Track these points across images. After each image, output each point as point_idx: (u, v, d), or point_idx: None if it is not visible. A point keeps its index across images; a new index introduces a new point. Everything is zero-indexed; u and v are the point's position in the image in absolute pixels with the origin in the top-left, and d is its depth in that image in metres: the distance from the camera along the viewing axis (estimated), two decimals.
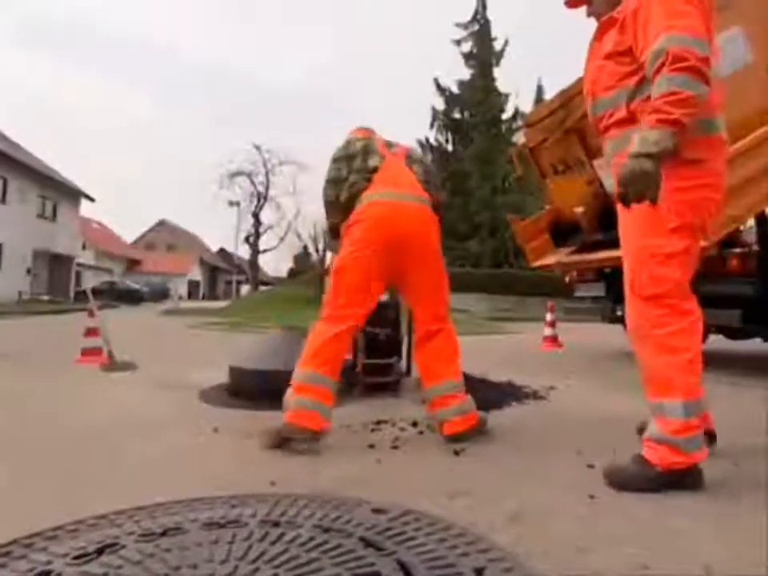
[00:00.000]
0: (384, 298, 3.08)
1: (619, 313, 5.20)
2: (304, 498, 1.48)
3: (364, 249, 2.21)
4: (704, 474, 1.68)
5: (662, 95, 1.53)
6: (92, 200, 26.55)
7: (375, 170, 2.38)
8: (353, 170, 2.42)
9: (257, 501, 1.45)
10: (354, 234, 2.25)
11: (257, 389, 2.98)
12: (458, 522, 1.36)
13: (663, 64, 1.54)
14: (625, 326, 5.72)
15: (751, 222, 4.40)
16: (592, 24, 1.99)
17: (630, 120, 1.78)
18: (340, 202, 2.42)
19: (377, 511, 1.39)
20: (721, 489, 1.68)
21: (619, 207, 1.78)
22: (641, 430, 2.03)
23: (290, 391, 2.17)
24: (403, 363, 3.48)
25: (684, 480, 1.66)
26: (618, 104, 1.80)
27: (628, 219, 1.77)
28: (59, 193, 24.23)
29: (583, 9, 2.03)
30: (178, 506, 1.43)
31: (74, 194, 25.60)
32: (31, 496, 1.61)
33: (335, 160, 2.50)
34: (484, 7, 26.73)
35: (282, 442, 2.07)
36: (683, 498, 1.61)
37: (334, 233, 2.54)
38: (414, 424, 2.47)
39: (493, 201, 23.94)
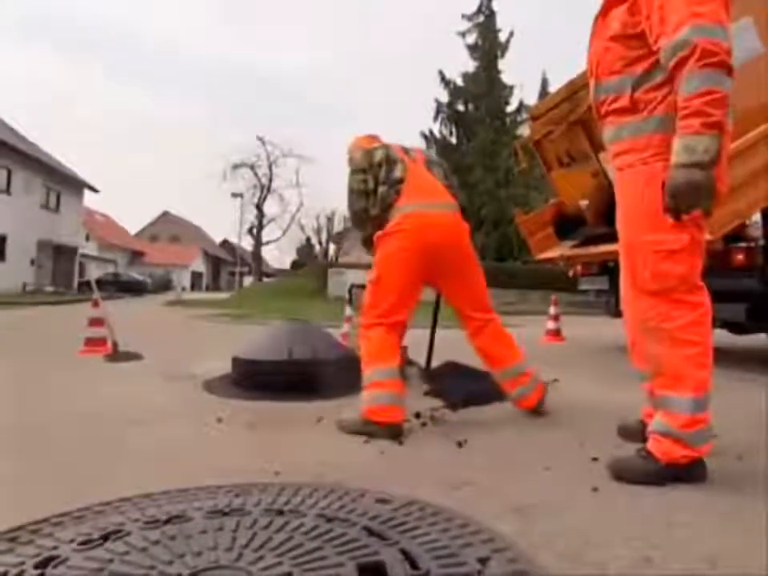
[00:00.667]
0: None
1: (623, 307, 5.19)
2: (308, 488, 1.48)
3: (404, 256, 2.32)
4: (707, 467, 1.69)
5: (698, 94, 1.43)
6: (96, 191, 26.59)
7: (402, 180, 2.43)
8: (379, 182, 2.46)
9: (260, 490, 1.46)
10: (392, 243, 2.36)
11: (260, 379, 2.99)
12: (462, 513, 1.36)
13: (688, 57, 1.45)
14: None
15: (757, 216, 4.38)
16: (597, 3, 1.88)
17: (631, 110, 1.70)
18: (370, 215, 2.49)
19: (381, 501, 1.40)
20: (725, 483, 1.68)
21: (620, 194, 1.76)
22: (623, 430, 2.11)
23: (367, 390, 2.26)
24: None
25: (688, 473, 1.65)
26: (621, 91, 1.71)
27: (628, 214, 1.74)
28: (63, 184, 24.26)
29: None
30: (182, 495, 1.43)
31: (77, 185, 25.63)
32: (37, 483, 1.62)
33: (358, 171, 2.54)
34: None
35: (366, 434, 2.16)
36: (687, 491, 1.61)
37: (368, 244, 2.60)
38: (417, 415, 2.47)
39: (496, 194, 23.85)
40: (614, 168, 1.84)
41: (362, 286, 4.22)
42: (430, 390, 3.09)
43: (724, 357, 5.15)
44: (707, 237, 3.59)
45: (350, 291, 3.52)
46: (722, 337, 5.55)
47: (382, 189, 2.45)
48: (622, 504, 1.51)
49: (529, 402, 2.51)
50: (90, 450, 1.95)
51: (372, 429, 2.14)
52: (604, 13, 1.79)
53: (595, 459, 1.89)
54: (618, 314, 5.35)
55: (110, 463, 1.81)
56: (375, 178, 2.47)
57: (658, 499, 1.54)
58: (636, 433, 2.01)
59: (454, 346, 4.13)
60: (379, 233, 2.42)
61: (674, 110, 1.55)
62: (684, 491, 1.60)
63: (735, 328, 5.14)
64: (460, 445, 2.06)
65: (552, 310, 6.89)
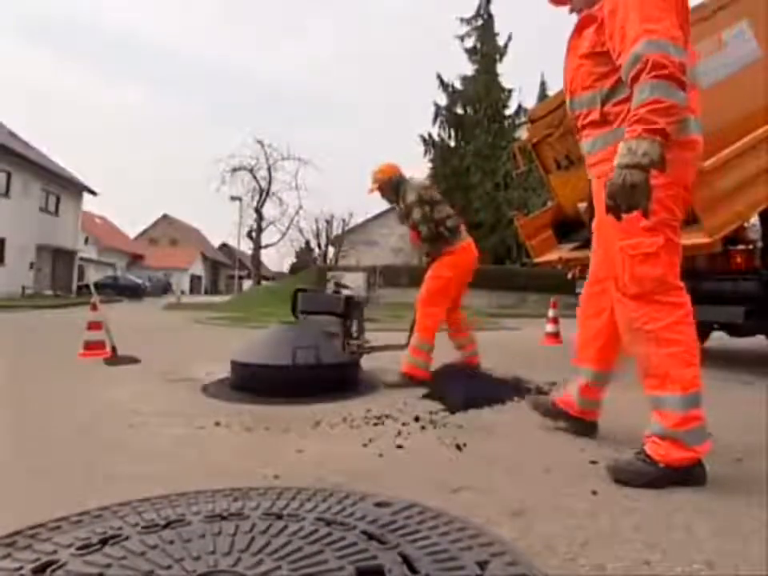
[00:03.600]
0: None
1: None
2: (307, 491, 1.48)
3: (460, 273, 3.68)
4: (706, 469, 1.69)
5: (645, 103, 1.52)
6: (94, 194, 26.55)
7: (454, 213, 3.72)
8: (444, 214, 3.64)
9: (259, 494, 1.46)
10: (453, 262, 3.62)
11: (258, 383, 2.98)
12: (461, 516, 1.36)
13: (642, 70, 1.54)
14: None
15: (755, 218, 4.39)
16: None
17: (602, 123, 1.81)
18: (434, 234, 3.60)
19: (380, 505, 1.39)
20: (723, 486, 1.68)
21: (599, 202, 1.80)
22: (532, 404, 2.38)
23: (407, 353, 3.55)
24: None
25: (687, 475, 1.66)
26: (593, 105, 1.83)
27: (605, 222, 1.79)
28: (62, 187, 24.24)
29: (566, 7, 2.05)
30: (180, 499, 1.43)
31: (76, 189, 25.60)
32: (35, 487, 1.61)
33: (422, 202, 3.60)
34: (488, 2, 26.58)
35: (402, 383, 3.37)
36: (685, 493, 1.61)
37: (432, 257, 3.70)
38: (417, 419, 2.47)
39: (495, 196, 23.88)
40: (591, 177, 1.94)
41: (345, 286, 4.26)
42: (430, 393, 3.09)
43: (722, 360, 5.16)
44: (706, 240, 3.64)
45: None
46: (721, 340, 5.56)
47: (450, 221, 3.63)
48: (620, 507, 1.51)
49: (474, 360, 3.90)
50: (88, 454, 1.95)
51: (406, 381, 3.38)
52: (577, 33, 1.91)
53: (594, 462, 1.89)
54: None
55: (108, 467, 1.80)
56: (432, 210, 3.60)
57: (657, 502, 1.54)
58: (543, 409, 2.31)
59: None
60: (449, 248, 3.62)
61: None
62: (682, 494, 1.60)
63: (734, 330, 5.14)
64: (459, 448, 2.06)
65: (551, 312, 6.89)
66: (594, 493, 1.61)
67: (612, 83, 1.76)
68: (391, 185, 3.75)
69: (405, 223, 3.81)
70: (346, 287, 4.00)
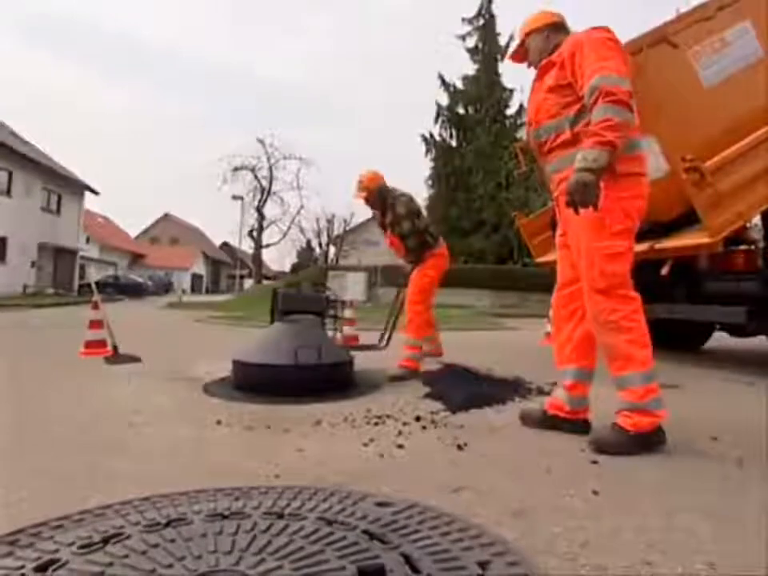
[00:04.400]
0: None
1: None
2: (308, 491, 1.48)
3: (439, 274, 3.97)
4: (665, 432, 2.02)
5: (599, 122, 1.90)
6: (96, 193, 26.58)
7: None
8: (425, 222, 3.99)
9: (261, 493, 1.46)
10: (435, 263, 3.94)
11: (260, 382, 2.99)
12: (462, 517, 1.36)
13: (597, 97, 1.93)
14: None
15: (757, 218, 4.38)
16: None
17: (574, 141, 2.11)
18: (419, 244, 3.91)
19: (381, 504, 1.40)
20: (725, 487, 1.68)
21: (570, 214, 2.07)
22: (526, 417, 2.43)
23: (406, 351, 3.83)
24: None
25: (654, 438, 2.01)
26: (561, 129, 2.16)
27: (578, 225, 2.08)
28: (64, 186, 24.26)
29: (524, 63, 2.48)
30: (182, 498, 1.43)
31: (78, 188, 25.63)
32: (38, 486, 1.62)
33: (412, 214, 3.88)
34: (489, 2, 26.55)
35: (406, 375, 3.63)
36: (687, 494, 1.61)
37: (417, 258, 3.94)
38: (418, 419, 2.47)
39: (497, 196, 23.87)
40: (560, 192, 2.19)
41: (324, 286, 4.26)
42: (431, 393, 3.09)
43: (726, 360, 5.16)
44: (708, 240, 3.64)
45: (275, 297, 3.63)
46: (723, 340, 5.56)
47: (431, 228, 3.99)
48: (621, 507, 1.51)
49: (439, 351, 4.14)
50: (89, 453, 1.95)
51: (406, 373, 3.71)
52: (539, 78, 2.31)
53: (595, 462, 1.90)
54: None
55: (109, 465, 1.81)
56: (420, 220, 3.93)
57: (658, 502, 1.54)
58: (537, 420, 2.37)
59: (461, 346, 4.11)
60: (434, 251, 3.94)
61: None
62: (684, 494, 1.60)
63: (735, 330, 5.13)
64: (460, 448, 2.06)
65: (551, 312, 6.88)
66: (595, 493, 1.61)
67: (576, 110, 2.11)
68: (378, 193, 3.95)
69: (393, 230, 3.97)
70: (325, 288, 4.03)
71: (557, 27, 2.35)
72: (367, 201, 3.98)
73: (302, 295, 3.83)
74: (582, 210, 1.92)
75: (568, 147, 2.14)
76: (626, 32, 4.01)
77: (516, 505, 1.50)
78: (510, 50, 2.55)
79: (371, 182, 3.94)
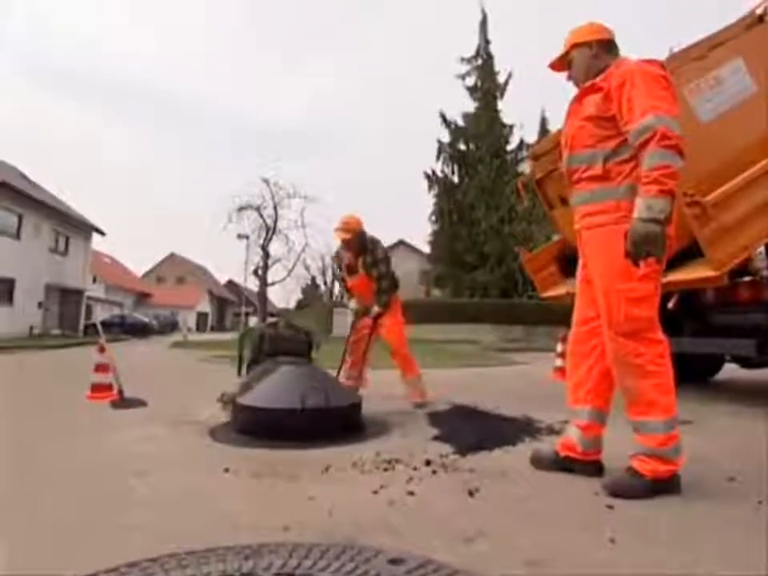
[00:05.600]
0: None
1: None
2: (318, 548, 1.44)
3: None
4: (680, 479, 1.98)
5: (657, 168, 1.80)
6: (103, 234, 26.95)
7: None
8: (390, 267, 4.25)
9: (270, 551, 1.42)
10: (397, 307, 4.36)
11: (266, 426, 2.95)
12: (476, 570, 1.32)
13: (651, 139, 1.83)
14: None
15: (762, 248, 4.38)
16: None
17: (603, 177, 2.04)
18: (391, 286, 4.25)
19: (393, 562, 1.36)
20: (745, 531, 1.63)
21: (592, 251, 2.09)
22: (536, 459, 2.36)
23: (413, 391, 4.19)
24: None
25: (670, 485, 1.95)
26: (593, 162, 2.06)
27: (603, 265, 2.04)
28: (72, 228, 24.62)
29: (564, 73, 2.33)
30: (190, 558, 1.39)
31: (85, 229, 26.00)
32: (44, 546, 1.58)
33: (388, 259, 4.25)
34: (487, 42, 27.35)
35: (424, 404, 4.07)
36: (707, 542, 1.56)
37: (386, 307, 4.21)
38: (428, 463, 2.43)
39: (500, 230, 24.02)
40: (582, 226, 2.16)
41: (296, 327, 4.25)
42: (439, 434, 3.04)
43: (738, 390, 5.07)
44: (712, 273, 3.63)
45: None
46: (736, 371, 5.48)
47: (395, 275, 4.29)
48: (639, 557, 1.47)
49: (415, 396, 4.16)
50: (91, 507, 1.91)
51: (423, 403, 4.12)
52: (579, 99, 2.18)
53: (610, 507, 1.85)
54: None
55: (112, 521, 1.77)
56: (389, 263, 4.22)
57: (677, 552, 1.50)
58: (548, 462, 2.30)
59: (468, 383, 4.06)
60: (395, 297, 4.32)
61: (638, 181, 1.90)
62: (704, 542, 1.56)
63: (747, 362, 5.07)
64: (471, 494, 2.01)
65: (559, 347, 6.83)
66: (612, 541, 1.56)
67: (615, 145, 2.00)
68: (359, 236, 4.17)
69: (368, 272, 4.18)
70: (298, 328, 4.04)
71: (608, 45, 2.17)
72: (348, 242, 4.18)
73: (288, 336, 3.83)
74: (642, 265, 1.85)
75: (596, 182, 2.07)
76: None
77: (531, 555, 1.46)
78: (552, 58, 2.32)
79: (357, 225, 4.17)
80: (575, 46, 2.21)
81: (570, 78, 2.27)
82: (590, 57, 2.16)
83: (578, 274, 2.31)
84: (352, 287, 4.40)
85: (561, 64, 2.29)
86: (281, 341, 3.71)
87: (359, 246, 4.20)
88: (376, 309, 4.17)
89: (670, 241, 1.93)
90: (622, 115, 1.94)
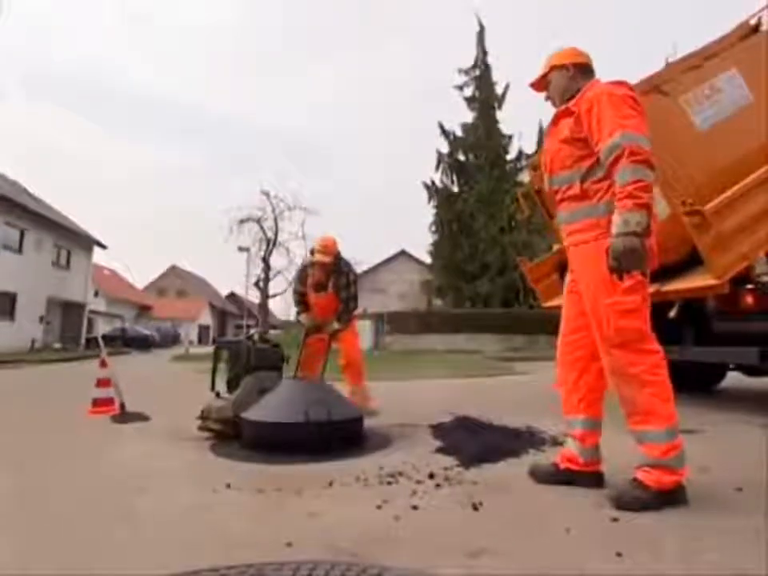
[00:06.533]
0: None
1: None
2: (323, 566, 1.43)
3: None
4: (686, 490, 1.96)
5: (630, 183, 1.86)
6: (104, 247, 27.03)
7: None
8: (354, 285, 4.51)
9: (274, 569, 1.41)
10: (354, 325, 4.67)
11: (269, 440, 2.94)
12: None
13: (621, 156, 1.89)
14: None
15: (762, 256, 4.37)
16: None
17: (582, 197, 2.11)
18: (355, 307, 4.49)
19: None
20: (755, 543, 1.61)
21: (581, 268, 2.14)
22: (534, 472, 2.36)
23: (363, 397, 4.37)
24: None
25: (676, 496, 1.94)
26: (572, 182, 2.14)
27: (590, 280, 2.08)
28: (73, 241, 24.70)
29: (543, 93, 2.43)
30: None
31: (87, 243, 26.09)
32: (44, 563, 1.57)
33: (356, 283, 4.48)
34: (484, 53, 27.58)
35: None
36: (716, 555, 1.54)
37: (346, 324, 4.46)
38: (431, 476, 2.41)
39: (500, 240, 24.05)
40: (569, 244, 2.22)
41: (267, 340, 4.26)
42: (443, 447, 3.03)
43: (741, 401, 5.04)
44: (714, 282, 3.63)
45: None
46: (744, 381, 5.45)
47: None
48: (647, 568, 1.45)
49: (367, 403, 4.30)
50: (91, 524, 1.90)
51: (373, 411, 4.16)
52: (555, 122, 2.28)
53: (615, 520, 1.83)
54: None
55: (117, 537, 1.76)
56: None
57: (685, 563, 1.48)
58: (547, 475, 2.29)
59: (472, 394, 4.05)
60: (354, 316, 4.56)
61: (615, 197, 1.95)
62: (712, 556, 1.54)
63: (751, 371, 5.04)
64: (476, 507, 2.00)
65: None
66: (619, 555, 1.55)
67: (589, 165, 2.09)
68: (336, 258, 4.41)
69: (338, 292, 4.38)
70: (268, 340, 4.03)
71: (584, 69, 2.28)
72: (328, 265, 4.37)
73: (271, 350, 3.80)
74: (626, 278, 1.89)
75: (576, 201, 2.15)
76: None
77: (537, 569, 1.45)
78: (534, 77, 2.43)
79: (335, 247, 4.43)
80: (554, 67, 2.32)
81: (548, 98, 2.40)
82: (567, 78, 2.27)
83: (566, 285, 2.36)
84: (316, 304, 4.55)
85: (540, 84, 2.40)
86: (265, 355, 3.69)
87: (334, 266, 4.42)
88: (336, 326, 4.36)
89: (651, 252, 1.99)
90: (593, 136, 2.03)
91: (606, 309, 2.01)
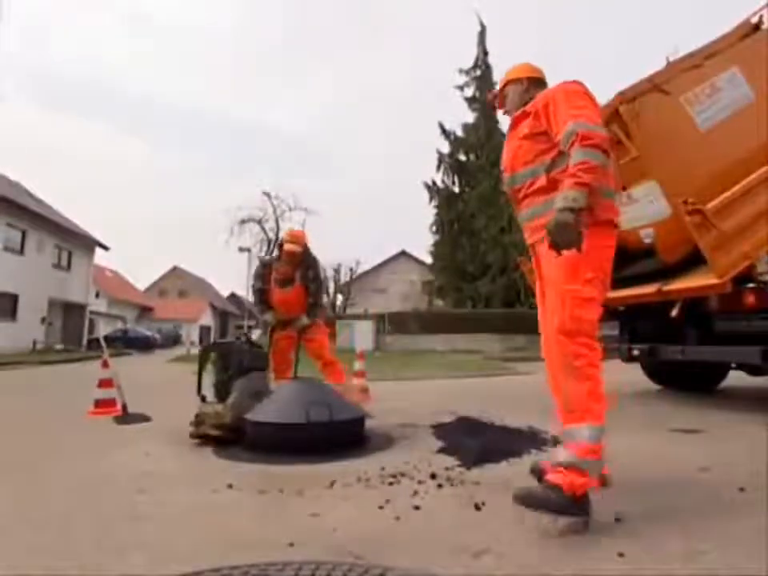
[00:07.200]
0: None
1: (636, 353, 5.11)
2: (325, 566, 1.42)
3: None
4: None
5: (576, 164, 1.93)
6: (106, 249, 27.06)
7: None
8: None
9: (277, 569, 1.41)
10: (323, 320, 4.77)
11: (271, 441, 2.94)
12: None
13: (574, 142, 1.97)
14: (642, 364, 5.56)
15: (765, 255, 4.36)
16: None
17: (550, 188, 2.13)
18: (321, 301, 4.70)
19: None
20: (758, 543, 1.61)
21: (545, 257, 2.10)
22: (533, 470, 2.27)
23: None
24: None
25: (581, 503, 1.81)
26: (537, 176, 2.17)
27: (554, 266, 2.06)
28: (75, 243, 24.72)
29: (501, 110, 2.54)
30: None
31: (88, 244, 26.11)
32: (45, 564, 1.57)
33: (323, 277, 4.28)
34: (485, 53, 27.59)
35: None
36: (719, 556, 1.54)
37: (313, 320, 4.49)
38: (433, 476, 2.41)
39: (500, 240, 24.04)
40: (536, 240, 2.21)
41: (250, 339, 4.21)
42: (444, 447, 3.03)
43: (743, 400, 5.03)
44: (716, 281, 3.63)
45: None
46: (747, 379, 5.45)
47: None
48: (649, 568, 1.45)
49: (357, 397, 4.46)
50: (93, 525, 1.90)
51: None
52: (513, 127, 2.35)
53: (618, 520, 1.83)
54: (629, 358, 5.32)
55: (119, 538, 1.76)
56: None
57: (687, 564, 1.48)
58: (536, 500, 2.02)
59: (474, 394, 4.04)
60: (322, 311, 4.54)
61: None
62: (716, 556, 1.53)
63: (753, 370, 5.03)
64: (478, 507, 2.00)
65: None
66: (621, 555, 1.54)
67: (552, 157, 2.14)
68: (305, 251, 4.45)
69: (306, 284, 4.41)
70: (255, 343, 4.03)
71: (536, 82, 2.42)
72: (298, 256, 4.39)
73: (262, 351, 3.79)
74: (564, 252, 1.91)
75: (543, 194, 2.16)
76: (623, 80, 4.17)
77: (539, 569, 1.45)
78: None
79: (305, 239, 4.50)
80: (509, 82, 2.47)
81: (505, 112, 2.50)
82: (522, 91, 2.41)
83: (537, 289, 2.36)
84: (281, 299, 4.47)
85: (499, 100, 2.53)
86: (260, 357, 3.65)
87: (303, 259, 4.45)
88: (305, 320, 4.35)
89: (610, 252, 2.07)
90: (552, 129, 2.13)
91: (566, 294, 2.01)
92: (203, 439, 3.19)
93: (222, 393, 3.46)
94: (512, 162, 2.29)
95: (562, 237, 1.87)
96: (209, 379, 3.63)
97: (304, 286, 4.42)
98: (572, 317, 2.00)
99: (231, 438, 3.12)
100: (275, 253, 4.75)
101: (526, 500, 1.91)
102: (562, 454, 1.94)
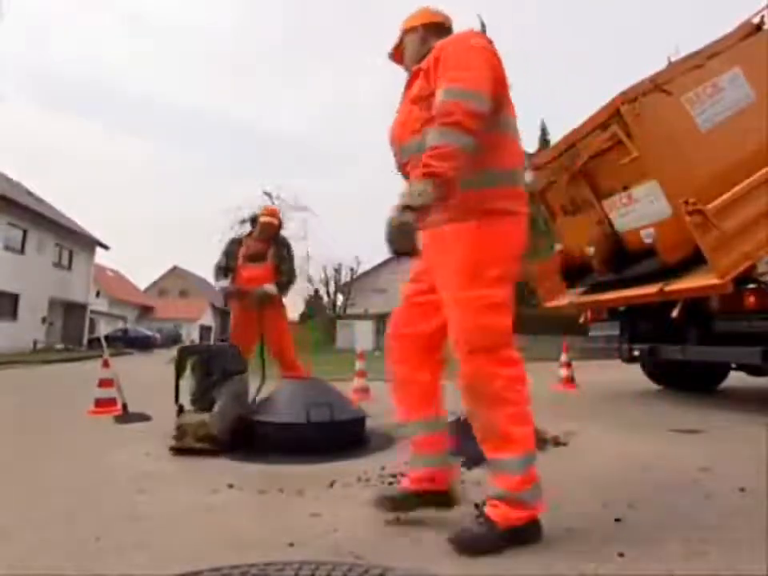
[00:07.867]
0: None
1: (636, 353, 5.12)
2: (325, 567, 1.42)
3: None
4: (542, 527, 1.66)
5: (429, 149, 1.54)
6: (106, 248, 27.10)
7: None
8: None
9: (277, 569, 1.40)
10: (283, 306, 4.55)
11: (271, 441, 2.93)
12: None
13: (437, 117, 1.57)
14: (643, 365, 5.55)
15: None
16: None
17: None
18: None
19: None
20: (760, 544, 1.61)
21: (433, 256, 1.77)
22: (386, 501, 1.96)
23: None
24: None
25: (524, 534, 1.62)
26: (423, 150, 1.61)
27: (447, 270, 1.71)
28: (75, 242, 24.75)
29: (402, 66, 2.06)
30: None
31: (89, 243, 26.14)
32: (46, 566, 1.57)
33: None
34: None
35: None
36: (720, 558, 1.53)
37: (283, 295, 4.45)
38: None
39: None
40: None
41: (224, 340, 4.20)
42: None
43: (744, 400, 5.03)
44: (717, 281, 3.63)
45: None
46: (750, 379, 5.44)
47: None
48: (649, 570, 1.45)
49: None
50: (94, 525, 1.89)
51: None
52: (408, 86, 1.91)
53: (618, 520, 1.83)
54: (630, 358, 5.32)
55: (115, 540, 1.75)
56: None
57: (688, 565, 1.48)
58: (400, 504, 1.92)
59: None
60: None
61: (479, 166, 1.64)
62: (717, 558, 1.53)
63: (754, 370, 5.03)
64: (478, 507, 1.99)
65: (563, 356, 6.80)
66: (621, 555, 1.54)
67: None
68: (280, 227, 4.59)
69: (278, 262, 4.35)
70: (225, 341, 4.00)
71: (436, 29, 1.94)
72: (274, 229, 4.44)
73: (240, 352, 3.72)
74: (452, 256, 1.63)
75: None
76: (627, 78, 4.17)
77: (539, 570, 1.44)
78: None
79: (280, 215, 4.65)
80: (405, 32, 2.00)
81: (406, 68, 2.02)
82: (418, 42, 1.94)
83: (405, 288, 2.08)
84: (250, 275, 4.27)
85: (397, 54, 2.06)
86: (239, 357, 3.47)
87: (276, 236, 4.49)
88: (271, 288, 4.18)
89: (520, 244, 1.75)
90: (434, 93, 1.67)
91: (467, 303, 1.66)
92: (186, 453, 2.94)
93: (203, 401, 3.15)
94: (401, 129, 1.86)
95: (400, 242, 1.53)
96: (188, 386, 3.31)
97: (275, 265, 4.32)
98: (480, 328, 1.64)
99: (218, 449, 2.93)
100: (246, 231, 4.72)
101: (460, 543, 1.61)
102: (491, 485, 1.69)
